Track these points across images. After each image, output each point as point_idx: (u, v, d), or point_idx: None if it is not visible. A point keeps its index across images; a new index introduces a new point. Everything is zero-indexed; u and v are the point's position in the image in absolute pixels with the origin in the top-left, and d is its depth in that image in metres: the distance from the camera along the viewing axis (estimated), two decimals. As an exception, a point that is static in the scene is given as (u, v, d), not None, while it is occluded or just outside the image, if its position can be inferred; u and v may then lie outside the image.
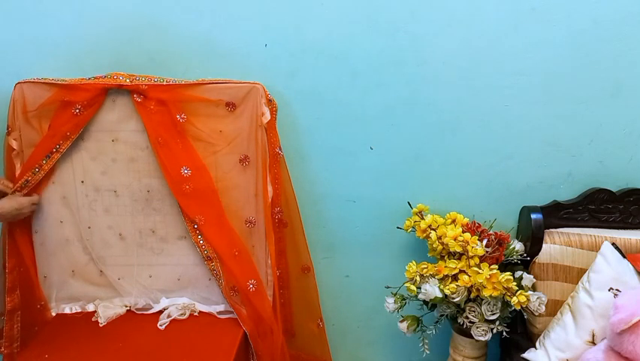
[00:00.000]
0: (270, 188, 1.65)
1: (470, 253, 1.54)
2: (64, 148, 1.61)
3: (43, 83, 1.57)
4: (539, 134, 1.65)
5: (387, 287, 1.66)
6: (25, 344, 1.62)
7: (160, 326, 1.67)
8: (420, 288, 1.58)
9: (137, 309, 1.75)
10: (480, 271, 1.51)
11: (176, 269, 1.75)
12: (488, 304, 1.55)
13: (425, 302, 1.63)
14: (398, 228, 1.71)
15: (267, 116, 1.61)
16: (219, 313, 1.74)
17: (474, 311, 1.57)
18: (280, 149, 1.67)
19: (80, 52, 1.63)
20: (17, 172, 1.61)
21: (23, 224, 1.65)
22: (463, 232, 1.58)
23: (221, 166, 1.66)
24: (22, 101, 1.58)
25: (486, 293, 1.50)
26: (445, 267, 1.55)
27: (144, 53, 1.62)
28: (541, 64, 1.58)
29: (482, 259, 1.55)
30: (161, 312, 1.73)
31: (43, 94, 1.58)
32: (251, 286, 1.65)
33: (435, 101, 1.64)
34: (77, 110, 1.57)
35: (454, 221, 1.65)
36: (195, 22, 1.59)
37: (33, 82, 1.57)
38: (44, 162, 1.60)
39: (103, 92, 1.58)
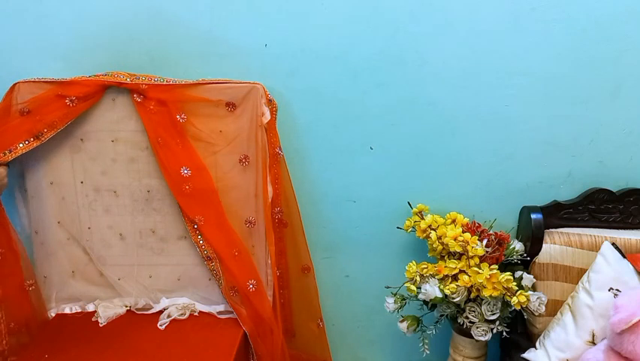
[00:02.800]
0: (270, 188, 1.65)
1: (470, 253, 1.54)
2: (46, 137, 1.54)
3: (42, 82, 1.57)
4: (539, 134, 1.65)
5: (387, 287, 1.66)
6: (22, 341, 1.61)
7: (160, 326, 1.67)
8: (420, 288, 1.58)
9: (137, 309, 1.75)
10: (480, 271, 1.51)
11: (176, 269, 1.75)
12: (488, 304, 1.55)
13: (425, 302, 1.63)
14: (398, 228, 1.71)
15: (267, 116, 1.61)
16: (219, 313, 1.74)
17: (474, 311, 1.57)
18: (280, 149, 1.67)
19: (80, 52, 1.63)
20: None
21: None
22: (463, 232, 1.58)
23: (221, 166, 1.66)
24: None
25: (486, 293, 1.50)
26: (445, 267, 1.55)
27: (144, 52, 1.62)
28: (541, 64, 1.58)
29: (482, 259, 1.55)
30: (161, 312, 1.73)
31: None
32: (251, 286, 1.65)
33: (435, 101, 1.64)
34: (71, 102, 1.54)
35: (454, 221, 1.65)
36: (195, 22, 1.59)
37: (32, 82, 1.57)
38: (21, 145, 1.53)
39: (101, 89, 1.57)
